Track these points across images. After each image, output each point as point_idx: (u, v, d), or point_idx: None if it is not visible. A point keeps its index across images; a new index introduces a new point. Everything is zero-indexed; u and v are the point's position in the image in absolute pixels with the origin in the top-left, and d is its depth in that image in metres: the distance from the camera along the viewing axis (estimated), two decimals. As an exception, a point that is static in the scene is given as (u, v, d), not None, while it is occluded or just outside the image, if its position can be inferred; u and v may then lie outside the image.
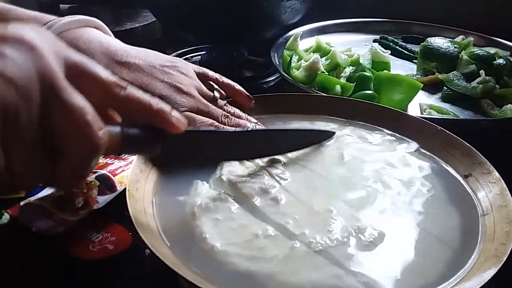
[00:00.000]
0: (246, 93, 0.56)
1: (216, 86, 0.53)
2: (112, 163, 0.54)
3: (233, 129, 0.45)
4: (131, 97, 0.34)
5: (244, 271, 0.36)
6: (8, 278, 0.45)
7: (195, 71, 0.53)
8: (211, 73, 0.55)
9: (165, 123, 0.36)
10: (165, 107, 0.36)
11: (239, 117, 0.52)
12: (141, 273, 0.45)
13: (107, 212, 0.51)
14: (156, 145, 0.37)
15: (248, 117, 0.53)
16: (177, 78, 0.49)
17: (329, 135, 0.53)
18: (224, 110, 0.52)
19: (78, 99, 0.29)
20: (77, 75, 0.31)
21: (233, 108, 0.53)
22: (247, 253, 0.37)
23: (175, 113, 0.36)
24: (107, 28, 0.52)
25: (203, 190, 0.44)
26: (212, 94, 0.52)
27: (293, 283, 0.35)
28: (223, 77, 0.55)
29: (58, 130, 0.28)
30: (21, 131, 0.27)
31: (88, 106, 0.29)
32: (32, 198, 0.49)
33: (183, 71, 0.51)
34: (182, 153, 0.40)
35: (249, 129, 0.46)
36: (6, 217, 0.49)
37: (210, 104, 0.50)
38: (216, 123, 0.48)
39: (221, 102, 0.53)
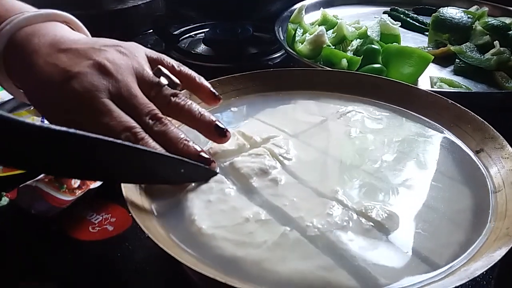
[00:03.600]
0: (211, 89, 0.47)
1: (165, 71, 0.44)
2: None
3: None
4: None
5: (230, 256, 0.34)
6: (9, 260, 0.45)
7: (148, 56, 0.45)
8: (167, 59, 0.46)
9: None
10: None
11: (189, 112, 0.42)
12: (141, 254, 0.45)
13: (107, 194, 0.50)
14: None
15: (204, 113, 0.43)
16: (108, 55, 0.41)
17: (209, 174, 0.41)
18: (169, 102, 0.42)
19: None
20: None
21: (185, 100, 0.43)
22: (235, 237, 0.35)
23: None
24: (77, 22, 0.47)
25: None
26: (156, 79, 0.42)
27: (279, 272, 0.33)
28: (183, 66, 0.47)
29: None
30: None
31: None
32: (29, 181, 0.49)
33: (124, 51, 0.43)
34: None
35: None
36: (5, 199, 0.49)
37: (139, 95, 0.40)
38: (137, 129, 0.38)
39: (168, 90, 0.42)
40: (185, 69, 0.46)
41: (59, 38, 0.43)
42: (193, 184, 0.40)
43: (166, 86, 0.42)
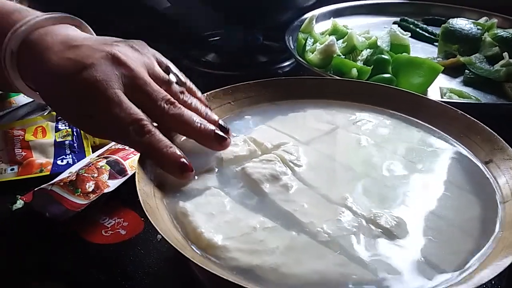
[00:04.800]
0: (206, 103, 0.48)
1: (174, 69, 0.46)
2: (124, 149, 0.54)
3: None
4: None
5: (246, 266, 0.34)
6: (23, 263, 0.45)
7: (156, 58, 0.46)
8: (174, 66, 0.47)
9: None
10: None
11: (196, 110, 0.44)
12: (153, 258, 0.45)
13: (120, 198, 0.51)
14: None
15: (209, 112, 0.45)
16: (121, 49, 0.42)
17: None
18: (178, 98, 0.43)
19: None
20: None
21: (192, 98, 0.45)
22: (247, 246, 0.35)
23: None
24: (87, 26, 0.49)
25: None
26: (166, 76, 0.44)
27: (297, 274, 0.33)
28: (187, 79, 0.48)
29: None
30: None
31: None
32: (45, 184, 0.49)
33: (136, 46, 0.44)
34: None
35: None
36: (20, 202, 0.50)
37: (152, 83, 0.41)
38: (144, 122, 0.40)
39: (177, 88, 0.44)
40: (189, 82, 0.48)
41: (72, 37, 0.44)
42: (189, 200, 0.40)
43: (175, 84, 0.44)
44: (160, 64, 0.46)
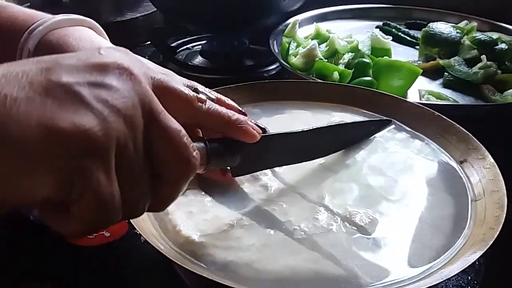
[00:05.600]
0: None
1: (200, 88, 0.45)
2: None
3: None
4: (211, 111, 0.35)
5: (222, 261, 0.36)
6: (7, 266, 0.46)
7: (183, 82, 0.49)
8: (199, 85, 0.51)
9: (243, 134, 0.36)
10: (241, 117, 0.36)
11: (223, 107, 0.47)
12: (137, 260, 0.46)
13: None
14: (236, 156, 0.37)
15: (233, 103, 0.45)
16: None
17: (385, 124, 0.54)
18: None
19: (174, 122, 0.29)
20: (163, 93, 0.30)
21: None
22: (223, 243, 0.37)
23: (250, 123, 0.37)
24: (101, 29, 0.50)
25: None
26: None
27: (270, 270, 0.35)
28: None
29: (158, 154, 0.28)
30: (130, 161, 0.26)
31: (182, 128, 0.29)
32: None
33: (168, 73, 0.48)
34: (256, 159, 0.40)
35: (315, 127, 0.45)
36: (4, 205, 0.50)
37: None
38: None
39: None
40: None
41: (97, 44, 0.45)
42: None
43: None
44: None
